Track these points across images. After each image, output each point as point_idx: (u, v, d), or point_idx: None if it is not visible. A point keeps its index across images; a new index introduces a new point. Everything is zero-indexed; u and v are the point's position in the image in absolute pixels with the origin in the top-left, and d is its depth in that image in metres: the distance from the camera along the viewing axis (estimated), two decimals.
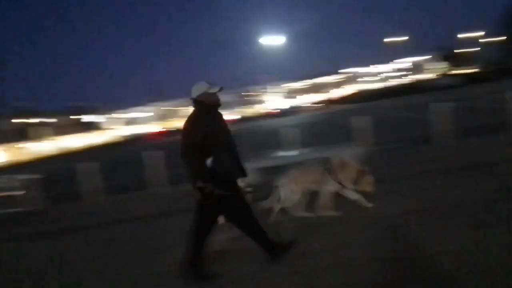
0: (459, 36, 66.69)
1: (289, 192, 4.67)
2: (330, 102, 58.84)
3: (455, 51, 65.94)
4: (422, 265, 3.08)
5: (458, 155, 6.81)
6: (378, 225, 4.10)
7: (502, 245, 3.16)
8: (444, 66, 66.02)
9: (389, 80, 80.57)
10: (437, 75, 61.52)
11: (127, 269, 4.15)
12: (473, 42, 67.83)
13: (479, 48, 67.61)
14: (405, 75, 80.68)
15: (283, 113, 51.86)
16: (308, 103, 65.58)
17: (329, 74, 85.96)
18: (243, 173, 3.55)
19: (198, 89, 3.38)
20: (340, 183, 4.55)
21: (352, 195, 4.56)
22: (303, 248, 3.67)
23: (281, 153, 7.72)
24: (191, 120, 3.35)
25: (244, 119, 55.19)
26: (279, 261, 3.46)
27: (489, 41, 63.86)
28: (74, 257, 4.92)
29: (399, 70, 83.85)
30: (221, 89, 3.43)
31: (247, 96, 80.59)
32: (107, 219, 6.63)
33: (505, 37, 58.67)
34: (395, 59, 79.49)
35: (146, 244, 4.90)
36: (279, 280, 3.23)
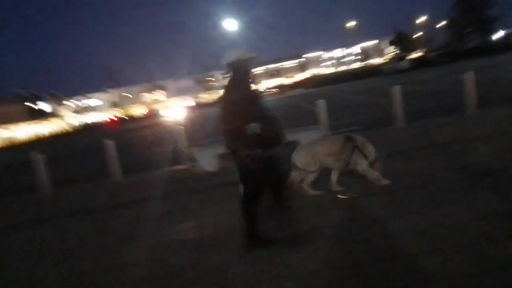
0: (410, 20, 69.23)
1: (305, 164, 4.54)
2: (285, 87, 59.17)
3: (405, 35, 68.21)
4: (384, 245, 3.13)
5: (415, 136, 7.00)
6: (344, 208, 4.14)
7: (460, 223, 3.26)
8: (395, 50, 68.22)
9: (344, 64, 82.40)
10: (389, 59, 63.56)
11: (88, 261, 3.96)
12: (422, 26, 70.67)
13: (428, 33, 70.58)
14: (359, 60, 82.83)
15: None
16: (264, 88, 65.74)
17: (289, 59, 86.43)
18: (283, 138, 3.42)
19: (231, 55, 3.30)
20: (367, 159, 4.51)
21: (372, 173, 4.54)
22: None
23: None
24: (230, 88, 3.28)
25: (201, 105, 54.58)
26: (247, 249, 3.43)
27: (440, 25, 66.80)
28: (31, 251, 4.64)
29: (354, 54, 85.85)
30: (255, 55, 3.34)
31: (207, 81, 79.42)
32: (59, 211, 6.26)
33: (446, 21, 61.61)
34: (350, 43, 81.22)
35: (107, 236, 4.69)
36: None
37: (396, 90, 7.96)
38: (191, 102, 65.50)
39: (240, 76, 3.29)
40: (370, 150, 4.56)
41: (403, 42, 66.40)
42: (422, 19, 69.88)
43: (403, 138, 6.95)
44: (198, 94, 71.04)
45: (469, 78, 7.98)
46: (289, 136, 7.38)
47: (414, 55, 59.36)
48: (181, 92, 68.26)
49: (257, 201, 3.38)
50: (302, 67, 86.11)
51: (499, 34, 61.18)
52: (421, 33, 71.35)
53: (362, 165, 4.54)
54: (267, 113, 3.34)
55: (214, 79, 79.31)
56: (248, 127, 3.08)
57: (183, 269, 3.41)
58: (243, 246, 3.46)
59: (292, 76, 79.46)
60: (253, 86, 3.36)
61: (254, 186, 3.34)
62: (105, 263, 3.87)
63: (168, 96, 72.68)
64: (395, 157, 5.77)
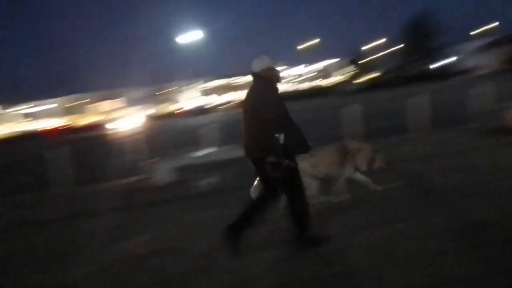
0: (366, 43, 72.44)
1: (308, 180, 4.38)
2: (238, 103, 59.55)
3: (362, 56, 71.23)
4: (338, 260, 3.20)
5: None
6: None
7: (409, 239, 3.40)
8: (352, 71, 70.94)
9: (302, 82, 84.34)
10: (347, 78, 65.93)
11: (31, 278, 3.70)
12: (378, 49, 74.11)
13: (382, 56, 74.20)
14: (317, 78, 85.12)
15: (195, 112, 51.13)
16: (220, 102, 65.67)
17: (247, 74, 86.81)
18: (308, 147, 3.46)
19: (261, 63, 3.31)
20: (355, 167, 4.59)
21: (362, 178, 4.67)
22: None
23: (198, 152, 7.57)
24: (257, 95, 3.24)
25: (157, 117, 53.67)
26: (303, 249, 3.37)
27: (392, 49, 70.37)
28: None
29: (311, 72, 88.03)
30: (281, 65, 3.37)
31: (162, 93, 78.27)
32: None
33: (403, 45, 65.23)
34: (308, 62, 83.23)
35: (54, 250, 4.42)
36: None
37: (352, 110, 8.29)
38: (148, 112, 64.16)
39: (270, 84, 3.30)
40: (367, 151, 4.66)
41: (359, 63, 69.38)
42: (380, 41, 73.24)
43: None
44: (156, 105, 69.78)
45: (419, 101, 8.48)
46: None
47: (370, 76, 62.13)
48: (139, 101, 66.82)
49: (302, 200, 3.40)
50: None
51: (448, 61, 65.53)
52: (378, 54, 74.85)
53: (345, 171, 4.63)
54: (293, 121, 3.36)
55: (172, 90, 78.25)
56: (276, 138, 3.10)
57: (139, 285, 3.29)
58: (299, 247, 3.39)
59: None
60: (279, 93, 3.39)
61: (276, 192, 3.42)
62: (51, 280, 3.63)
63: (126, 105, 70.83)
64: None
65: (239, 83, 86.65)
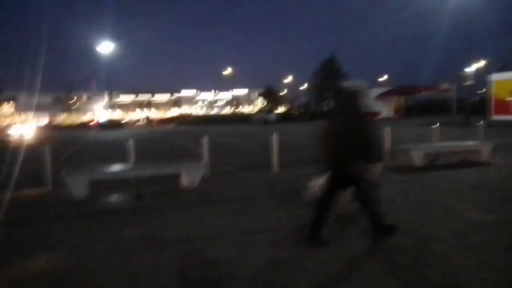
0: (279, 78, 76.74)
1: None
2: (153, 120, 58.26)
3: (273, 90, 74.97)
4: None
5: (288, 180, 7.57)
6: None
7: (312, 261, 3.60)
8: (264, 102, 74.06)
9: (216, 107, 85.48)
10: (259, 109, 68.40)
11: None
12: (288, 85, 78.86)
13: (293, 92, 79.06)
14: (230, 105, 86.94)
15: (105, 125, 48.40)
16: (133, 118, 63.25)
17: (162, 92, 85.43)
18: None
19: (352, 86, 4.07)
20: None
21: None
22: None
23: (112, 167, 7.13)
24: (358, 118, 3.92)
25: (63, 127, 49.47)
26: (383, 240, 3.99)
27: (304, 88, 75.40)
28: None
29: (225, 99, 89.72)
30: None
31: (70, 103, 72.65)
32: None
33: (312, 84, 70.28)
34: (223, 88, 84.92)
35: None
36: None
37: (273, 139, 8.62)
38: (46, 120, 58.88)
39: (358, 104, 3.93)
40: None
41: (271, 96, 72.78)
42: (288, 79, 78.06)
43: (280, 182, 7.46)
44: (57, 113, 64.33)
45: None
46: (173, 168, 7.30)
47: (279, 109, 65.39)
48: (36, 108, 60.89)
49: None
50: (175, 103, 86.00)
51: None
52: (286, 91, 79.43)
53: None
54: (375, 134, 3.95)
55: (77, 100, 73.04)
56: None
57: None
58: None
59: (165, 110, 78.49)
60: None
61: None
62: None
63: (20, 111, 63.97)
64: (271, 200, 6.13)
65: (154, 101, 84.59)
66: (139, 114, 69.66)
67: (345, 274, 3.39)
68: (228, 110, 79.68)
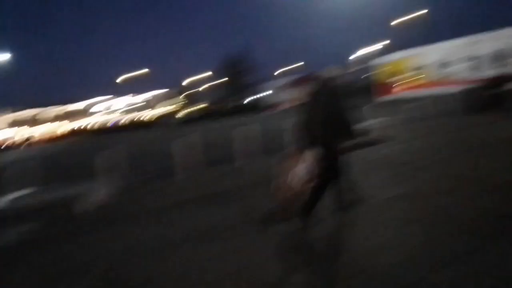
0: (193, 75, 75.39)
1: None
2: (52, 136, 53.45)
3: (190, 88, 73.73)
4: None
5: (203, 184, 7.40)
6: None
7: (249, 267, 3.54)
8: (180, 102, 72.40)
9: (134, 111, 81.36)
10: (177, 108, 66.67)
11: None
12: (204, 81, 77.93)
13: (208, 86, 78.35)
14: (143, 109, 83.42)
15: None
16: (26, 135, 57.35)
17: (61, 104, 78.80)
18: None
19: (333, 71, 4.45)
20: None
21: None
22: None
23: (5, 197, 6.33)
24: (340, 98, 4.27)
25: None
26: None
27: (217, 82, 75.04)
28: None
29: (138, 103, 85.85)
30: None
31: None
32: None
33: (226, 79, 70.67)
34: (134, 92, 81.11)
35: None
36: None
37: (184, 141, 8.37)
38: None
39: (333, 89, 4.30)
40: None
41: (189, 94, 71.62)
42: (206, 74, 76.94)
43: (186, 188, 7.24)
44: None
45: (239, 133, 9.18)
46: (66, 191, 6.63)
47: (198, 107, 64.48)
48: None
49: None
50: (80, 114, 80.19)
51: (260, 95, 73.71)
52: (204, 86, 78.46)
53: None
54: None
55: None
56: None
57: None
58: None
59: (66, 123, 72.53)
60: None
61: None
62: None
63: None
64: (179, 207, 5.95)
65: (52, 114, 77.53)
66: (36, 130, 63.15)
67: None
68: (143, 114, 76.16)
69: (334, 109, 4.15)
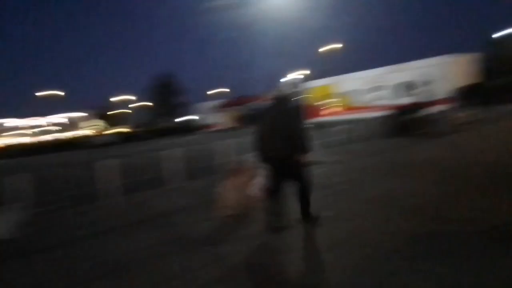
0: (114, 98, 72.41)
1: None
2: None
3: (110, 111, 70.56)
4: None
5: (128, 210, 6.96)
6: None
7: None
8: (100, 124, 68.97)
9: (44, 134, 75.63)
10: (96, 131, 63.27)
11: None
12: (126, 103, 75.27)
13: (130, 110, 75.77)
14: (61, 131, 78.26)
15: None
16: None
17: None
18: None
19: (287, 87, 4.98)
20: None
21: None
22: None
23: None
24: (291, 114, 4.60)
25: None
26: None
27: (140, 104, 72.86)
28: None
29: (55, 125, 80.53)
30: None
31: None
32: None
33: (151, 101, 68.96)
34: (50, 113, 75.96)
35: None
36: None
37: (105, 164, 7.86)
38: None
39: (285, 100, 4.70)
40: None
41: (109, 116, 68.34)
42: (129, 96, 74.44)
43: (114, 214, 6.81)
44: None
45: (173, 154, 8.90)
46: None
47: (120, 129, 61.73)
48: None
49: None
50: None
51: (190, 117, 73.15)
52: (126, 110, 75.72)
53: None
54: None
55: None
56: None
57: None
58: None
59: None
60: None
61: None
62: None
63: None
64: (108, 234, 5.51)
65: None
66: None
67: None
68: (61, 135, 71.05)
69: (289, 126, 4.47)
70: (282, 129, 4.46)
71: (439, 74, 27.24)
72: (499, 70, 51.14)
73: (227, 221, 5.15)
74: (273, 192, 4.64)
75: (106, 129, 61.70)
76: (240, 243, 4.47)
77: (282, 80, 42.76)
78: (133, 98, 74.80)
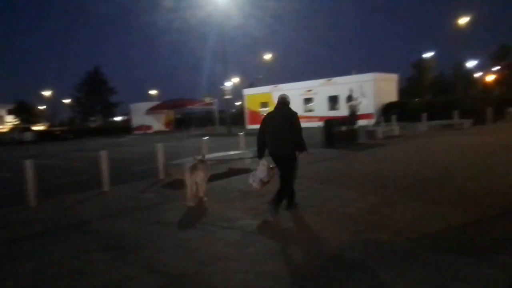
0: (34, 92, 66.81)
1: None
2: None
3: (28, 106, 64.65)
4: None
5: (52, 215, 6.36)
6: None
7: None
8: (16, 120, 62.97)
9: None
10: (9, 128, 57.61)
11: None
12: (47, 99, 69.70)
13: (53, 107, 70.41)
14: None
15: None
16: None
17: None
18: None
19: (285, 96, 5.68)
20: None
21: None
22: None
23: None
24: (296, 118, 5.36)
25: None
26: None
27: (66, 101, 67.94)
28: None
29: None
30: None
31: None
32: None
33: (76, 98, 64.68)
34: None
35: None
36: None
37: (28, 165, 7.12)
38: None
39: (287, 105, 5.56)
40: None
41: (25, 112, 62.53)
42: (47, 92, 69.04)
43: (40, 218, 6.19)
44: None
45: (103, 157, 8.33)
46: None
47: (37, 127, 56.85)
48: None
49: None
50: None
51: (119, 118, 69.78)
52: (44, 106, 70.12)
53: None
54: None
55: None
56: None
57: None
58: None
59: None
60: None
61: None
62: None
63: None
64: (34, 241, 4.98)
65: None
66: None
67: None
68: None
69: (285, 125, 5.26)
70: (284, 131, 5.26)
71: (369, 90, 29.16)
72: (417, 91, 56.13)
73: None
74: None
75: (23, 126, 56.45)
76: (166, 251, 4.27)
77: (222, 85, 42.69)
78: (56, 93, 69.74)
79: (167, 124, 44.97)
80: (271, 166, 5.44)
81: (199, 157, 6.63)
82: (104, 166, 8.24)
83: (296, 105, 33.27)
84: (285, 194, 5.36)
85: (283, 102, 5.53)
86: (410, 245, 4.05)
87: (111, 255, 4.33)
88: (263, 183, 5.50)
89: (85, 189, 8.38)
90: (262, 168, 5.45)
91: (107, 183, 8.19)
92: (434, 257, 3.71)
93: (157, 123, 43.12)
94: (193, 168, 6.38)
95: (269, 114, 5.59)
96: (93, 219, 5.98)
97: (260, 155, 5.54)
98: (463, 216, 4.91)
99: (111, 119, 68.51)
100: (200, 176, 6.40)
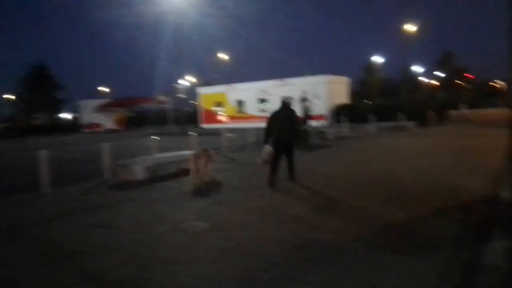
0: None
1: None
2: None
3: None
4: None
5: None
6: None
7: None
8: None
9: None
10: None
11: None
12: None
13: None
14: None
15: None
16: None
17: None
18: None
19: (287, 97, 7.68)
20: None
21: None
22: None
23: None
24: (293, 113, 7.56)
25: None
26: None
27: (6, 97, 63.62)
28: None
29: None
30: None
31: None
32: None
33: (18, 95, 60.81)
34: None
35: None
36: None
37: None
38: None
39: (289, 105, 7.51)
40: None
41: None
42: None
43: None
44: None
45: (43, 156, 7.87)
46: None
47: None
48: None
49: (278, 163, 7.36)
50: None
51: (66, 115, 66.41)
52: None
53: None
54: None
55: None
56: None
57: None
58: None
59: None
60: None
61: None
62: None
63: None
64: None
65: None
66: None
67: None
68: None
69: (288, 119, 7.32)
70: (289, 125, 7.27)
71: (321, 92, 29.81)
72: (367, 93, 58.35)
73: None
74: (274, 162, 7.22)
75: None
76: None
77: (176, 84, 41.81)
78: None
79: (119, 122, 43.41)
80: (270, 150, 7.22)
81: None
82: (44, 166, 7.79)
83: (251, 105, 33.50)
84: (293, 165, 7.49)
85: (286, 103, 7.51)
86: (348, 244, 4.16)
87: (45, 261, 4.09)
88: (265, 162, 7.24)
89: (24, 190, 7.89)
90: (266, 151, 7.23)
91: (48, 184, 7.75)
92: (371, 255, 3.83)
93: (108, 122, 41.50)
94: (197, 156, 7.51)
95: (275, 112, 7.43)
96: (27, 223, 5.64)
97: (265, 141, 7.34)
98: (403, 215, 5.13)
99: (57, 116, 65.19)
100: (201, 163, 7.40)
